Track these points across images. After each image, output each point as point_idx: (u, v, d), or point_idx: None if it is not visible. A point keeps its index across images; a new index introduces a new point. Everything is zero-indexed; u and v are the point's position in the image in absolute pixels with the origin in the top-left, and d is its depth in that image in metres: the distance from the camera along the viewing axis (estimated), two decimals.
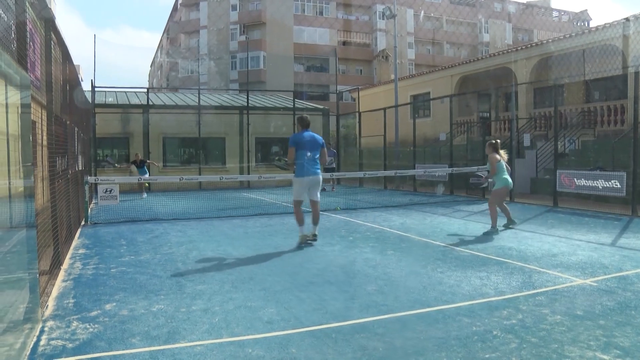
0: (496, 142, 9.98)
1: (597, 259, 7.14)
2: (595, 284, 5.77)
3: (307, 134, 8.48)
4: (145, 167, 18.10)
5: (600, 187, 12.87)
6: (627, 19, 17.90)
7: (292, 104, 26.31)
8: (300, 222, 8.47)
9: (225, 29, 53.81)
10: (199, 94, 23.80)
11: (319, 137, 8.61)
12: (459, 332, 4.24)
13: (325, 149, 8.74)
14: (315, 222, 8.66)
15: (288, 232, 9.71)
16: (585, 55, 20.01)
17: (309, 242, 8.46)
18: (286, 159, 8.83)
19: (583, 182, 13.34)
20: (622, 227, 10.10)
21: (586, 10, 71.64)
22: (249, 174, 22.71)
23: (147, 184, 19.27)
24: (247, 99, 24.83)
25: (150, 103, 23.00)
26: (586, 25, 62.99)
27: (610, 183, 12.61)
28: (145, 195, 18.30)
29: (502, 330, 4.26)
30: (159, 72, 71.05)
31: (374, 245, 8.39)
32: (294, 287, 5.75)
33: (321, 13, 56.53)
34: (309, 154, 8.35)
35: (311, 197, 8.56)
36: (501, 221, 10.00)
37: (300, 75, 54.63)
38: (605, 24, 19.23)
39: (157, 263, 7.13)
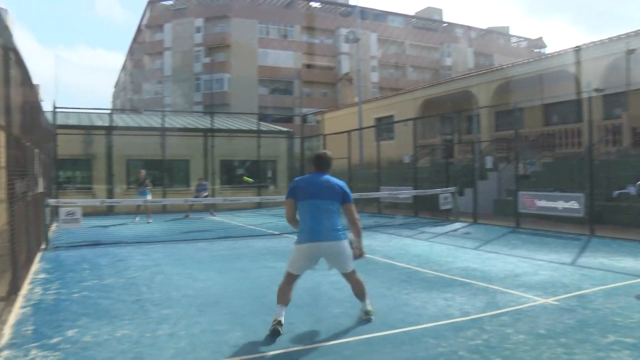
0: None
1: (558, 279, 7.30)
2: (556, 303, 5.90)
3: (316, 178, 5.34)
4: (146, 190, 17.05)
5: (560, 207, 13.20)
6: (578, 48, 18.63)
7: (257, 126, 26.32)
8: (281, 300, 5.04)
9: (190, 51, 53.68)
10: (163, 116, 23.64)
11: (336, 183, 5.33)
12: (426, 353, 4.28)
13: (352, 203, 5.35)
14: (361, 297, 5.40)
15: (254, 255, 9.64)
16: (543, 80, 20.67)
17: (366, 319, 5.30)
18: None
19: (544, 203, 13.67)
20: (581, 246, 10.36)
21: (541, 37, 74.13)
22: (213, 196, 22.51)
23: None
24: (212, 122, 24.74)
25: (114, 124, 22.70)
26: (542, 51, 65.16)
27: (569, 204, 12.95)
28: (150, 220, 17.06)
29: (467, 351, 4.31)
30: (123, 93, 70.35)
31: None
32: (260, 310, 5.70)
33: (285, 36, 56.95)
34: (316, 206, 5.15)
35: (340, 270, 5.32)
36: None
37: (265, 97, 54.73)
38: (560, 50, 19.97)
39: (121, 287, 6.98)
